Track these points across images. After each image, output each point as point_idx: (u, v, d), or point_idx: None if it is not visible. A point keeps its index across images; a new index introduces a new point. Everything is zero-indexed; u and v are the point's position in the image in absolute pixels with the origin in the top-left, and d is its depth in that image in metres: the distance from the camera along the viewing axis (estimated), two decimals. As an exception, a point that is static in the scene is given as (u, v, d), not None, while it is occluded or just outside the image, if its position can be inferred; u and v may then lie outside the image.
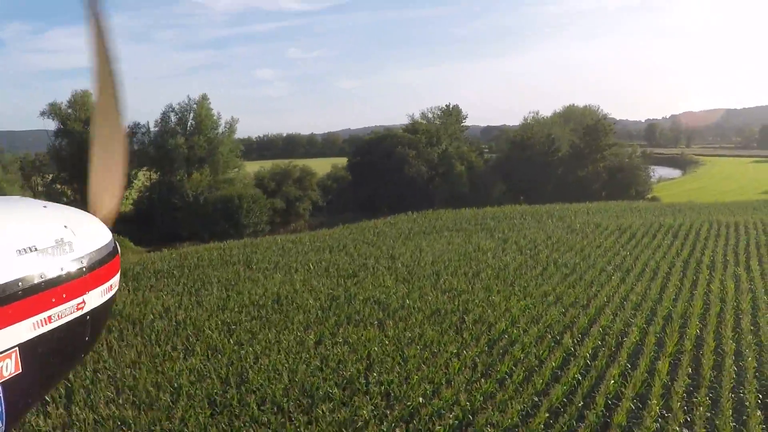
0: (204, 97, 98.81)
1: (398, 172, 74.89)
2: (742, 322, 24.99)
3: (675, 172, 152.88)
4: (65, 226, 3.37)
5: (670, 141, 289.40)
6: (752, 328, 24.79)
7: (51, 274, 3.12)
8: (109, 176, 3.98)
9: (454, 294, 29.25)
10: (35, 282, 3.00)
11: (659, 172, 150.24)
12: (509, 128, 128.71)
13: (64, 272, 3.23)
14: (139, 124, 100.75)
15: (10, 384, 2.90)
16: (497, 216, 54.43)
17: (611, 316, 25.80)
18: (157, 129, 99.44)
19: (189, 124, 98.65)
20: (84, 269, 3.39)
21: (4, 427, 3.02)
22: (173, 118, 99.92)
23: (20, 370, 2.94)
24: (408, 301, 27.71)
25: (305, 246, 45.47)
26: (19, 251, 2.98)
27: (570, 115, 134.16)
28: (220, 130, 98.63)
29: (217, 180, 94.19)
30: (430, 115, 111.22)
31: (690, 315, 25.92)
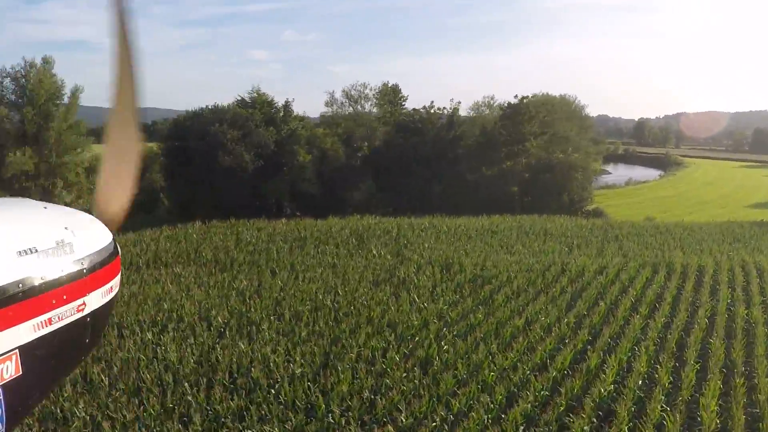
0: (46, 60, 76.75)
1: (214, 160, 52.73)
2: None
3: (653, 174, 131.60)
4: (66, 228, 3.24)
5: (660, 140, 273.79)
6: None
7: (51, 275, 3.01)
8: (120, 175, 3.79)
9: None
10: (35, 284, 2.91)
11: (637, 173, 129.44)
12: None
13: (64, 274, 3.10)
14: (-36, 90, 79.30)
15: (10, 386, 2.82)
16: (301, 236, 32.84)
17: None
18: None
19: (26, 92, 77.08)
20: (84, 271, 3.26)
21: (4, 430, 2.94)
22: (9, 85, 78.26)
23: (20, 373, 2.86)
24: None
25: None
26: (20, 253, 2.89)
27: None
28: (65, 101, 76.73)
29: (51, 163, 72.57)
30: (354, 93, 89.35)
31: None
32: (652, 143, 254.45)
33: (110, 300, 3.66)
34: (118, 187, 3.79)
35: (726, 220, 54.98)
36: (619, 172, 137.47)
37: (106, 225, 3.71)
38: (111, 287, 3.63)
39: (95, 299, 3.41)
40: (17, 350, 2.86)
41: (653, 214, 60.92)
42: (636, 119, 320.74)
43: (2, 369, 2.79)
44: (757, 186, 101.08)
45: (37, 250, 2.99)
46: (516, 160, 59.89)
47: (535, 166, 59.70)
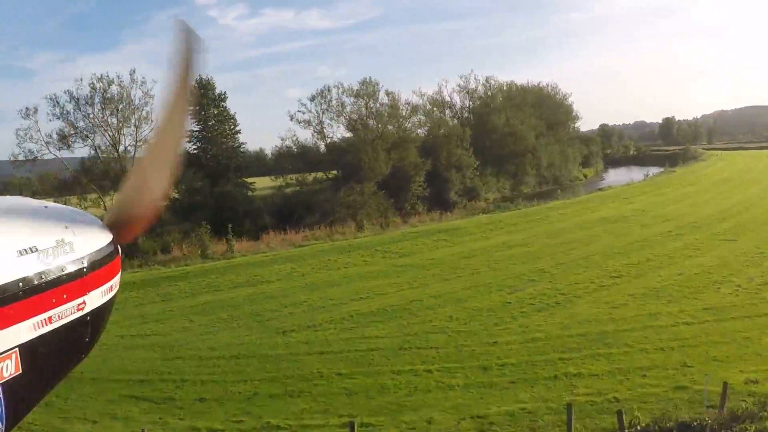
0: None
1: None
2: None
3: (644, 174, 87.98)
4: (66, 227, 3.28)
5: (689, 138, 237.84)
6: None
7: (51, 274, 3.03)
8: (156, 175, 3.70)
9: None
10: (36, 282, 2.92)
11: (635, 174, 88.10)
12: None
13: (64, 273, 3.12)
14: None
15: (10, 385, 2.82)
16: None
17: None
18: None
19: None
20: (84, 270, 3.28)
21: (4, 429, 2.93)
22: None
23: (20, 371, 2.86)
24: None
25: None
26: (20, 252, 2.90)
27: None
28: None
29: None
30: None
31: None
32: (681, 142, 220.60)
33: (110, 299, 3.65)
34: (152, 185, 3.68)
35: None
36: (618, 177, 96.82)
37: (130, 222, 3.74)
38: (111, 286, 3.62)
39: (95, 298, 3.39)
40: (17, 349, 2.83)
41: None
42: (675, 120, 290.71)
43: (2, 367, 2.76)
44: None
45: (37, 249, 2.97)
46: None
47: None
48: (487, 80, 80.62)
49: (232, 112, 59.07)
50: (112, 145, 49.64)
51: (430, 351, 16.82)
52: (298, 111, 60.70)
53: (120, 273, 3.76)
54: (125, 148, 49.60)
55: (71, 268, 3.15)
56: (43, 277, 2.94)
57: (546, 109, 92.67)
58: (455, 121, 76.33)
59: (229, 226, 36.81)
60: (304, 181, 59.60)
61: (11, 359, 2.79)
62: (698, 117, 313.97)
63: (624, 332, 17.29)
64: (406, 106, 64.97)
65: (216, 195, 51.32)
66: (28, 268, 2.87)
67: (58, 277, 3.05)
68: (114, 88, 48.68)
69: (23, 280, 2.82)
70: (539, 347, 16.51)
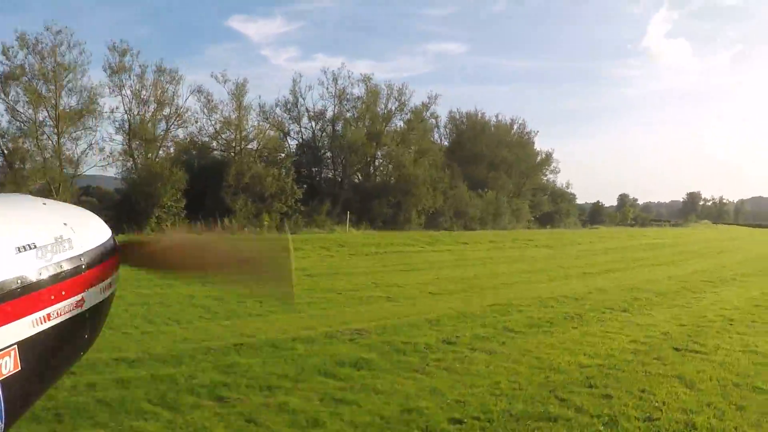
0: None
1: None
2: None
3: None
4: (65, 224, 3.12)
5: (713, 216, 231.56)
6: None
7: (50, 271, 2.90)
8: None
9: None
10: (34, 279, 2.80)
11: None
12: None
13: (63, 270, 2.97)
14: None
15: (9, 382, 2.71)
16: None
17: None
18: None
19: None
20: (83, 267, 3.12)
21: (3, 426, 2.78)
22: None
23: (19, 368, 2.76)
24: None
25: None
26: (19, 249, 2.80)
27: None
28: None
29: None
30: None
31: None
32: (701, 218, 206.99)
33: (109, 296, 3.54)
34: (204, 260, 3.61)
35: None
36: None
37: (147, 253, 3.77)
38: (110, 283, 3.49)
39: (94, 295, 3.26)
40: (16, 346, 2.76)
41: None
42: (728, 201, 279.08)
43: (1, 364, 2.68)
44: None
45: (36, 246, 2.89)
46: None
47: None
48: (366, 79, 56.20)
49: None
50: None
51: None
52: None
53: (119, 270, 3.65)
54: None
55: (70, 265, 3.01)
56: (41, 274, 2.83)
57: (495, 145, 69.01)
58: (311, 133, 54.53)
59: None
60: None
61: (10, 356, 2.71)
62: (735, 200, 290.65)
63: None
64: (201, 96, 45.15)
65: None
66: (27, 265, 2.77)
67: (57, 274, 2.92)
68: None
69: (22, 277, 2.72)
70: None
